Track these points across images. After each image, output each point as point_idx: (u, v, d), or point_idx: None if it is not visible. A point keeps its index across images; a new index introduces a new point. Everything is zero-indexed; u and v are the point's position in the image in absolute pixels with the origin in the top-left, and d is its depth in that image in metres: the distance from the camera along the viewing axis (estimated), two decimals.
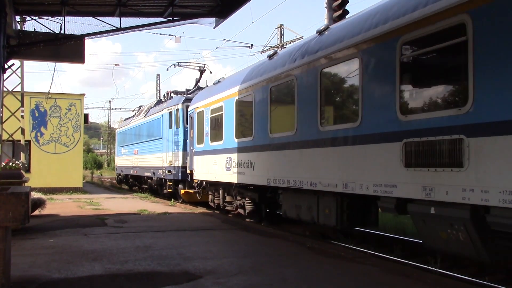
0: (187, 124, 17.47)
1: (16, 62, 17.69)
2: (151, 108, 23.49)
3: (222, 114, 13.03)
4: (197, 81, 20.87)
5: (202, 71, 20.92)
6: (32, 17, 12.91)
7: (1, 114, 12.09)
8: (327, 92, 8.67)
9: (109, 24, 12.45)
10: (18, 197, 4.39)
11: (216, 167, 13.40)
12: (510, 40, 5.17)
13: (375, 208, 8.03)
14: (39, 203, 11.94)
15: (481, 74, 5.47)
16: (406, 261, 7.69)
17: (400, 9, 6.77)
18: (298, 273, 5.99)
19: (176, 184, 18.71)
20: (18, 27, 13.47)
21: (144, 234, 9.18)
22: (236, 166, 11.96)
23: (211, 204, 14.81)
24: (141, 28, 12.90)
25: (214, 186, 14.34)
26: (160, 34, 33.73)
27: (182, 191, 17.75)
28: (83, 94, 23.90)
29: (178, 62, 21.64)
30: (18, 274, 5.66)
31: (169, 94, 21.32)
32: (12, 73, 17.61)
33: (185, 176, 17.29)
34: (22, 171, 10.66)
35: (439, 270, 6.94)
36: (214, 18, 13.45)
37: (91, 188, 28.27)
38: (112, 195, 22.15)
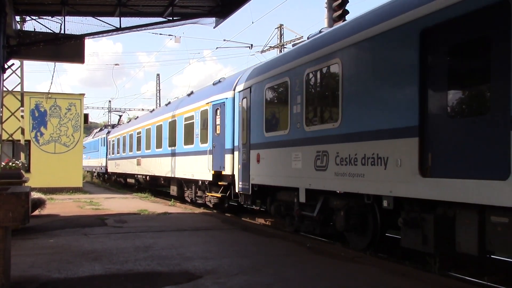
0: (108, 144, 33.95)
1: (16, 62, 17.71)
2: (97, 132, 41.40)
3: (119, 142, 28.77)
4: (118, 120, 39.36)
5: (120, 116, 40.71)
6: (32, 17, 12.92)
7: (1, 114, 12.10)
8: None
9: (109, 24, 12.46)
10: (18, 197, 4.40)
11: (114, 165, 30.78)
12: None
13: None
14: (39, 203, 11.93)
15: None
16: (406, 261, 7.69)
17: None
18: (298, 273, 5.99)
19: (104, 175, 36.22)
20: (18, 27, 13.47)
21: (144, 234, 9.19)
22: (118, 165, 29.22)
23: (114, 182, 32.62)
24: (141, 28, 12.91)
25: (115, 174, 31.49)
26: (160, 34, 33.65)
27: (105, 178, 36.05)
28: (83, 94, 23.87)
29: (120, 115, 42.62)
30: (18, 274, 5.66)
31: (107, 127, 38.51)
32: (12, 73, 17.62)
33: (107, 170, 33.84)
34: (22, 171, 10.67)
35: (439, 270, 6.94)
36: (214, 18, 13.46)
37: (91, 188, 28.30)
38: (112, 195, 22.17)
